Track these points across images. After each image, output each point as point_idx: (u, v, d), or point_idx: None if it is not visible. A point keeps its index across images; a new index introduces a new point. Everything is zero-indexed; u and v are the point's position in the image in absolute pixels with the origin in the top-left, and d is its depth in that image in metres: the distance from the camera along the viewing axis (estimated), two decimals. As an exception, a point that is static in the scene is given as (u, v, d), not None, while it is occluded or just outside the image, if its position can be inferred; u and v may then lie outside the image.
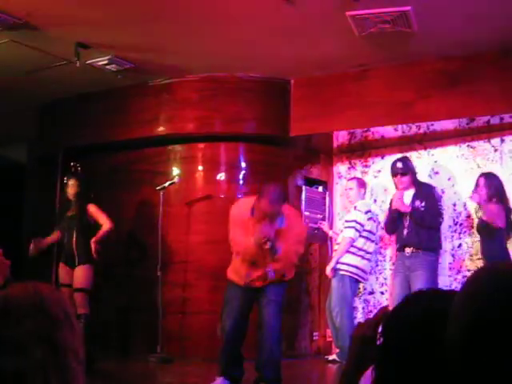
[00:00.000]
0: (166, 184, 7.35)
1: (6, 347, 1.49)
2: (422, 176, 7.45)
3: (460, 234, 7.35)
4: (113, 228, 7.07)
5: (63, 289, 7.04)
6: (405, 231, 6.82)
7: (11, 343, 1.49)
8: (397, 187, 7.01)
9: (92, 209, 7.12)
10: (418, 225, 6.75)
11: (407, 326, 1.38)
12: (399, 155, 7.44)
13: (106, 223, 7.07)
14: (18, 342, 1.49)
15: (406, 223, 6.81)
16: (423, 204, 6.78)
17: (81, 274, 7.02)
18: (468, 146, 7.47)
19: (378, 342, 1.53)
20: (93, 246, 6.95)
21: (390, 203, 7.12)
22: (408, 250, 6.77)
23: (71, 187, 7.18)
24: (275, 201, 5.32)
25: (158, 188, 7.34)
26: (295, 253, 5.53)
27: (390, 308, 1.53)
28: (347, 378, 1.67)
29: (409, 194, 6.92)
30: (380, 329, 1.59)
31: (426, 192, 6.90)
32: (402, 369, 1.35)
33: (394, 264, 7.31)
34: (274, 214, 5.34)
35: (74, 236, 7.07)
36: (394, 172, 6.98)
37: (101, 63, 7.04)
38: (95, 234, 7.00)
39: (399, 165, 6.96)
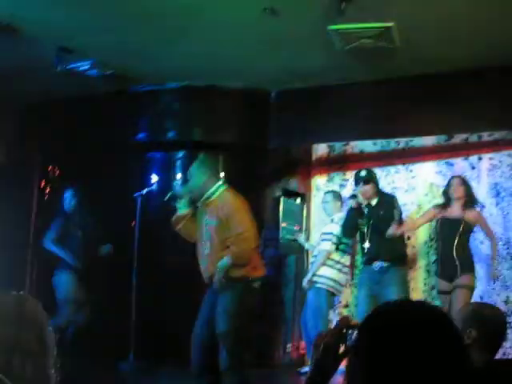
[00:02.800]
0: (144, 191, 7.33)
1: None
2: (400, 191, 7.49)
3: (436, 249, 7.37)
4: None
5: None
6: (366, 243, 6.75)
7: None
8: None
9: None
10: (373, 231, 6.67)
11: (379, 337, 1.38)
12: (378, 169, 7.44)
13: None
14: None
15: (367, 233, 6.74)
16: (382, 213, 6.68)
17: None
18: (446, 162, 7.53)
19: (340, 351, 1.53)
20: None
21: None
22: (376, 264, 6.65)
23: (71, 198, 7.58)
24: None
25: (135, 195, 7.30)
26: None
27: (353, 319, 1.54)
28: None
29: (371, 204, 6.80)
30: (349, 340, 1.59)
31: (386, 201, 6.80)
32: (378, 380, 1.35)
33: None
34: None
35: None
36: (357, 180, 6.83)
37: (82, 68, 7.00)
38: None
39: (363, 173, 6.82)
